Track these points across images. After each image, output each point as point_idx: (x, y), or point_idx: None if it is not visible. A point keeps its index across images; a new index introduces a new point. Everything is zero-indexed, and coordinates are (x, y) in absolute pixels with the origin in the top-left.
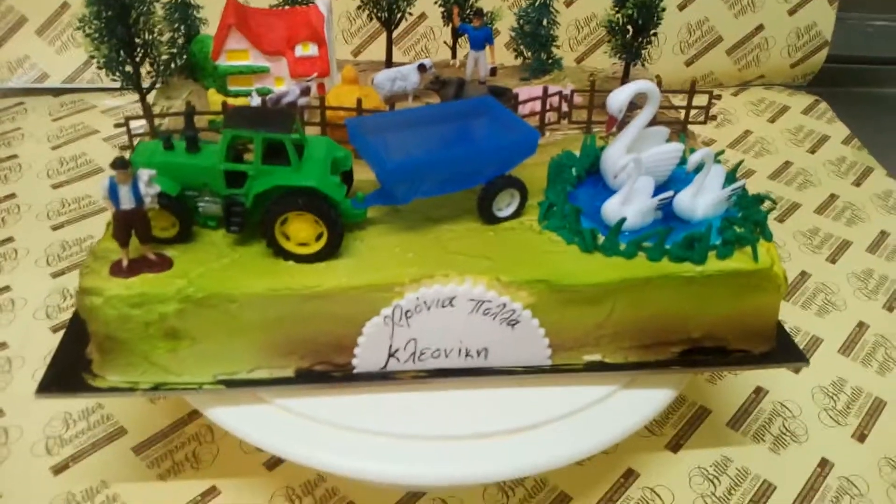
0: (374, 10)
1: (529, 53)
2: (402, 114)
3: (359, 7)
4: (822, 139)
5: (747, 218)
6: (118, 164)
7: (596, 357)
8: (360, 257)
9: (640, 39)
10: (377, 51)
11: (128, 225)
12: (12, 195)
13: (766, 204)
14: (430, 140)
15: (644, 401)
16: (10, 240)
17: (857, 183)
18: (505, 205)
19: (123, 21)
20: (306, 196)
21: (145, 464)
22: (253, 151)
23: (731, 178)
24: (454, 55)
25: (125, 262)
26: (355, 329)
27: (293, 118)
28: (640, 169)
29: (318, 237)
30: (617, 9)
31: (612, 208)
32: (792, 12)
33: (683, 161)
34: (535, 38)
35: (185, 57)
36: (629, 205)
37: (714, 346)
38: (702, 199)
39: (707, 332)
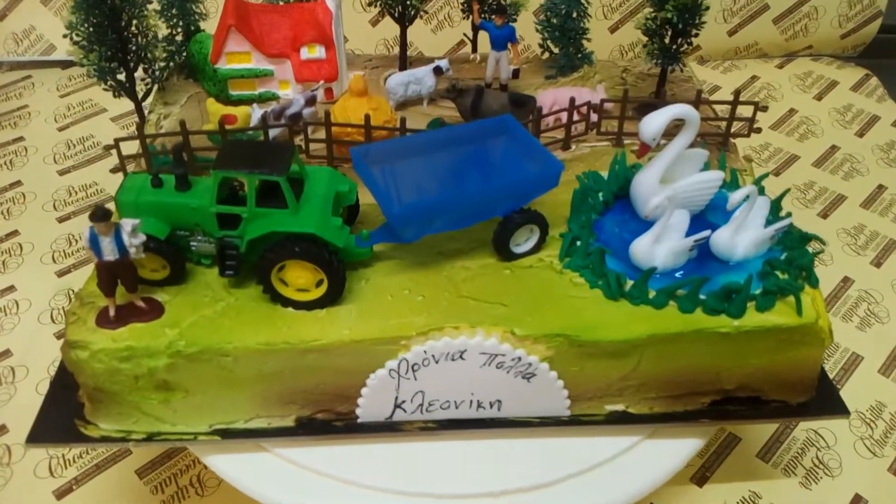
0: (387, 6)
1: (557, 48)
2: (412, 139)
3: (370, 3)
4: (872, 120)
5: (791, 262)
6: (98, 216)
7: (619, 407)
8: (364, 301)
9: (679, 41)
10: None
11: (112, 275)
12: (18, 182)
13: (814, 244)
14: (443, 172)
15: (670, 453)
16: (14, 233)
17: None
18: (523, 240)
19: (114, 26)
20: (305, 243)
21: (149, 489)
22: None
23: (775, 207)
24: (474, 49)
25: (112, 311)
26: (359, 380)
27: (291, 154)
28: (673, 206)
29: (319, 283)
30: (654, 10)
31: (642, 249)
32: None
33: (724, 186)
34: (564, 32)
35: (184, 55)
36: (661, 243)
37: (748, 395)
38: (742, 238)
39: (741, 384)
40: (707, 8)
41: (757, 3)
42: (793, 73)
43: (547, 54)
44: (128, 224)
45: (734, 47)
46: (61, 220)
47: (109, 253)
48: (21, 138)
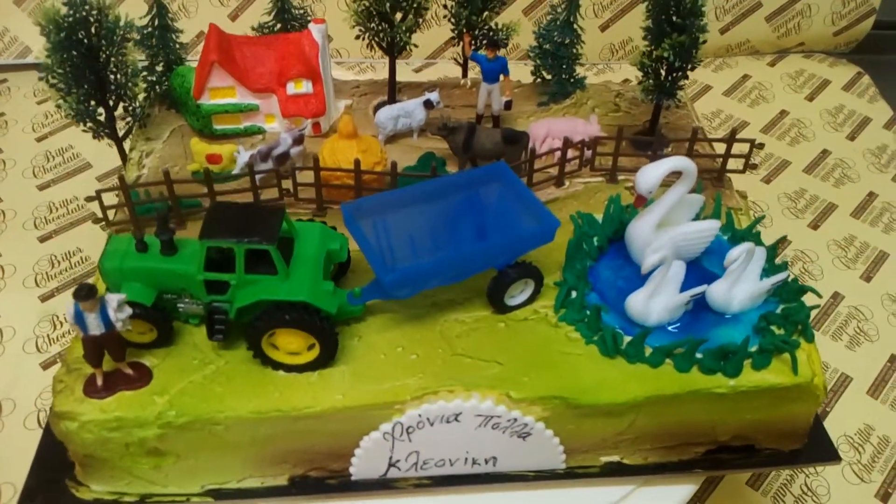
0: (375, 38)
1: (550, 76)
2: (404, 192)
3: (357, 37)
4: (863, 123)
5: (788, 316)
6: (83, 294)
7: (614, 458)
8: (357, 362)
9: (675, 75)
10: None
11: (99, 347)
12: None
13: (810, 297)
14: (436, 228)
15: (664, 500)
16: None
17: None
18: (518, 292)
19: (92, 66)
20: (296, 311)
21: None
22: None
23: (771, 252)
24: (465, 73)
25: (100, 380)
26: (353, 441)
27: (280, 219)
28: (668, 266)
29: (311, 346)
30: (651, 48)
31: (638, 304)
32: None
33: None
34: (557, 60)
35: (165, 86)
36: (657, 298)
37: (741, 444)
38: (738, 292)
39: (735, 435)
40: (704, 42)
41: (749, 0)
42: (784, 71)
43: (539, 80)
44: (113, 300)
45: (726, 45)
46: (42, 239)
47: (95, 328)
48: None
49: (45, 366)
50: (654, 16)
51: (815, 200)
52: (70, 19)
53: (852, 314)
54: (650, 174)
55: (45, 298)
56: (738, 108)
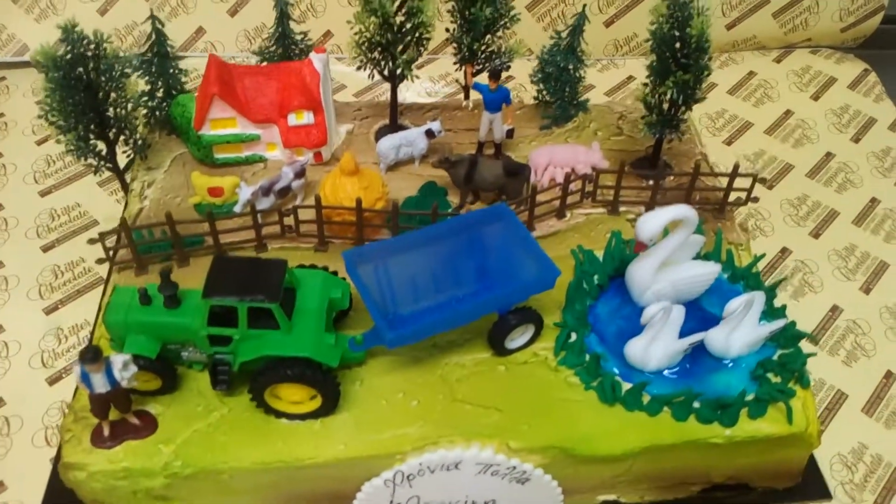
0: (377, 66)
1: (553, 100)
2: (405, 238)
3: (358, 67)
4: (868, 123)
5: (785, 364)
6: (89, 358)
7: (611, 497)
8: (358, 409)
9: (678, 109)
10: None
11: (105, 402)
12: None
13: (806, 343)
14: (438, 275)
15: None
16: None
17: None
18: (519, 335)
19: (91, 103)
20: (298, 366)
21: None
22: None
23: (770, 294)
24: (467, 95)
25: (106, 430)
26: (354, 486)
27: (283, 274)
28: (667, 317)
29: (313, 396)
30: (654, 86)
31: (636, 351)
32: None
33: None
34: (560, 84)
35: (164, 112)
36: (656, 344)
37: (736, 483)
38: (737, 338)
39: (730, 476)
40: (709, 73)
41: None
42: (790, 68)
43: (540, 102)
44: (118, 361)
45: (732, 41)
46: (46, 248)
47: (101, 386)
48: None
49: (52, 381)
50: (659, 53)
51: (817, 207)
52: (69, 56)
53: (850, 328)
54: (651, 223)
55: (49, 311)
56: (743, 108)
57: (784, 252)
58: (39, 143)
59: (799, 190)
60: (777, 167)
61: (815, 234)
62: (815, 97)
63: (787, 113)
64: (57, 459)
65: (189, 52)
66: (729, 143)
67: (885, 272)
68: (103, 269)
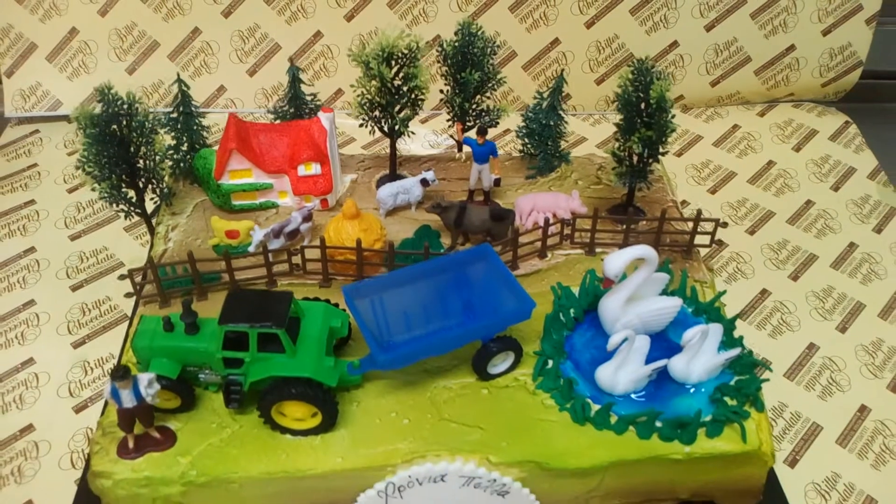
0: (377, 124)
1: (537, 152)
2: (399, 274)
3: (361, 125)
4: (848, 173)
5: (740, 389)
6: (119, 375)
7: None
8: (355, 427)
9: (645, 162)
10: None
11: (131, 417)
12: (32, 249)
13: (761, 371)
14: (427, 306)
15: None
16: (31, 303)
17: (878, 229)
18: (500, 362)
19: (123, 156)
20: (301, 386)
21: None
22: None
23: (729, 325)
24: (460, 149)
25: (131, 443)
26: (350, 496)
27: (289, 304)
28: (632, 344)
29: (314, 414)
30: (622, 141)
31: (606, 376)
32: (826, 32)
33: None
34: (542, 139)
35: (188, 163)
36: (623, 370)
37: (702, 500)
38: (696, 366)
39: (695, 492)
40: (674, 130)
41: (739, 55)
42: (773, 121)
43: (527, 155)
44: (144, 379)
45: (717, 96)
46: (74, 288)
47: (128, 402)
48: (32, 201)
49: (78, 409)
50: (625, 113)
51: (796, 251)
52: (104, 115)
53: (826, 364)
54: (615, 262)
55: (77, 345)
56: (727, 159)
57: (763, 293)
58: (70, 190)
59: (779, 235)
60: (759, 214)
61: (794, 277)
62: (797, 148)
63: (770, 163)
64: (83, 480)
65: (211, 108)
66: (713, 191)
67: (862, 312)
68: (128, 307)
